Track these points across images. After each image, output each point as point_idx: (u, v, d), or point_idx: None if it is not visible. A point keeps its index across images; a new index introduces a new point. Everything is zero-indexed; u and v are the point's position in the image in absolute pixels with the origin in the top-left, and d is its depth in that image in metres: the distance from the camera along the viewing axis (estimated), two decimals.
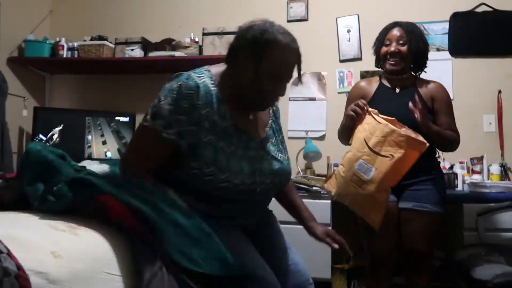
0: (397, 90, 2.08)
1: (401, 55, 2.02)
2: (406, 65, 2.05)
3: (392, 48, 2.03)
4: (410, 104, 1.86)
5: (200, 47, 3.17)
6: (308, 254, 2.55)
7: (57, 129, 3.22)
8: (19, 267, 0.76)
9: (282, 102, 3.29)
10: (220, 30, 3.09)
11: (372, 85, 2.13)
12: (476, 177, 2.78)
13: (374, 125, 1.78)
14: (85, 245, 0.97)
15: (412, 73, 2.11)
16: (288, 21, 3.33)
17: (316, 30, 3.29)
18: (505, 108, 2.98)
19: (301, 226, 2.47)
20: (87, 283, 0.91)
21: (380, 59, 2.12)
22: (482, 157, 2.85)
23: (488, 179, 2.78)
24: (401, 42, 2.02)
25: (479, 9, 3.06)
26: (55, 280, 0.83)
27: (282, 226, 2.55)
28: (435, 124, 1.96)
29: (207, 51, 3.10)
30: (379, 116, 1.80)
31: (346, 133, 1.98)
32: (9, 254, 0.75)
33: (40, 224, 0.98)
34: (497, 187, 2.51)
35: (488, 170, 2.83)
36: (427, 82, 2.12)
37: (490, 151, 2.90)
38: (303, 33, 3.33)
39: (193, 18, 3.46)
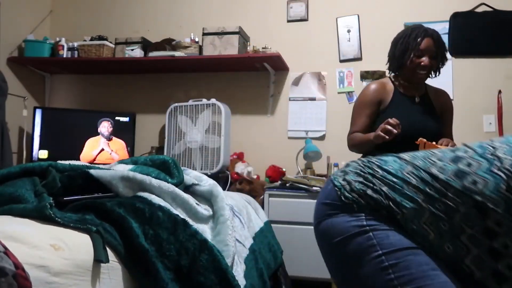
0: (417, 99, 2.07)
1: (431, 68, 2.01)
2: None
3: (427, 62, 1.96)
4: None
5: (200, 47, 3.17)
6: (308, 254, 2.56)
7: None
8: (17, 266, 0.75)
9: (282, 102, 3.31)
10: (220, 30, 3.08)
11: (387, 91, 2.07)
12: None
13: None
14: (86, 236, 0.96)
15: None
16: (288, 21, 3.33)
17: (316, 30, 3.29)
18: (505, 108, 2.98)
19: (301, 226, 2.48)
20: (90, 272, 0.90)
21: (405, 67, 2.01)
22: None
23: None
24: (433, 55, 1.98)
25: (479, 9, 3.05)
26: (57, 273, 0.83)
27: (281, 226, 2.56)
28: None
29: (207, 51, 3.10)
30: (436, 145, 1.72)
31: (367, 148, 1.99)
32: (6, 253, 0.75)
33: (35, 219, 0.98)
34: None
35: None
36: (435, 89, 2.15)
37: None
38: (303, 33, 3.34)
39: (193, 18, 3.46)
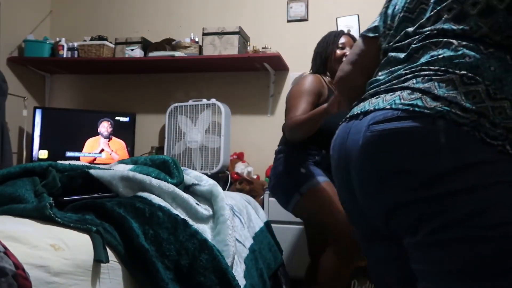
0: None
1: None
2: None
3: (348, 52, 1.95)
4: None
5: (200, 47, 3.17)
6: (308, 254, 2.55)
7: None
8: (17, 266, 0.75)
9: (282, 102, 3.30)
10: (220, 30, 3.08)
11: (323, 85, 2.04)
12: None
13: None
14: (86, 236, 0.96)
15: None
16: (288, 21, 3.33)
17: (316, 30, 3.27)
18: None
19: (301, 226, 2.47)
20: (90, 272, 0.90)
21: (330, 60, 2.09)
22: None
23: None
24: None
25: None
26: (57, 273, 0.83)
27: (281, 226, 2.56)
28: None
29: (207, 51, 3.10)
30: None
31: (314, 126, 1.83)
32: (6, 253, 0.75)
33: (35, 219, 0.98)
34: None
35: None
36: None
37: None
38: (303, 33, 3.34)
39: (193, 18, 3.46)
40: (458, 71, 0.81)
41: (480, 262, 0.76)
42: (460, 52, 0.82)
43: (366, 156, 0.87)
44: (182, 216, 1.13)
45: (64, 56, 3.28)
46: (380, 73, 1.01)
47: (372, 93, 0.97)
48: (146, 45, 3.26)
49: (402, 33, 0.98)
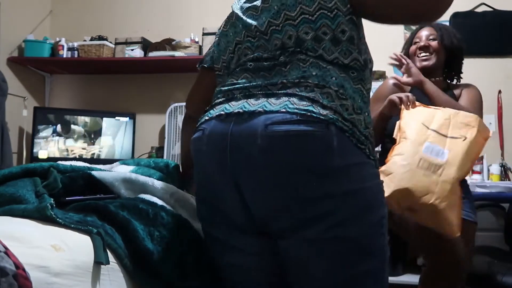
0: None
1: (432, 49, 1.91)
2: (439, 62, 1.92)
3: (422, 43, 1.92)
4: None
5: (200, 47, 3.17)
6: None
7: None
8: (18, 265, 0.75)
9: None
10: None
11: (405, 86, 1.94)
12: (476, 177, 2.77)
13: (430, 111, 1.62)
14: (87, 237, 0.95)
15: (444, 78, 1.99)
16: None
17: None
18: (505, 108, 2.98)
19: None
20: (90, 274, 0.90)
21: (411, 58, 1.96)
22: (482, 157, 2.84)
23: (488, 179, 2.77)
24: (431, 37, 1.93)
25: (479, 9, 3.05)
26: (58, 274, 0.83)
27: None
28: None
29: None
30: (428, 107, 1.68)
31: (377, 129, 1.76)
32: (7, 252, 0.75)
33: (35, 219, 0.98)
34: (497, 187, 2.50)
35: (488, 170, 2.82)
36: (461, 84, 2.01)
37: (490, 151, 2.89)
38: None
39: (193, 18, 3.46)
40: (332, 87, 0.93)
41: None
42: (327, 72, 0.95)
43: (269, 154, 0.90)
44: (184, 216, 1.14)
45: (64, 56, 3.28)
46: (234, 80, 1.05)
47: (246, 95, 0.99)
48: (146, 45, 3.26)
49: (261, 46, 1.04)
